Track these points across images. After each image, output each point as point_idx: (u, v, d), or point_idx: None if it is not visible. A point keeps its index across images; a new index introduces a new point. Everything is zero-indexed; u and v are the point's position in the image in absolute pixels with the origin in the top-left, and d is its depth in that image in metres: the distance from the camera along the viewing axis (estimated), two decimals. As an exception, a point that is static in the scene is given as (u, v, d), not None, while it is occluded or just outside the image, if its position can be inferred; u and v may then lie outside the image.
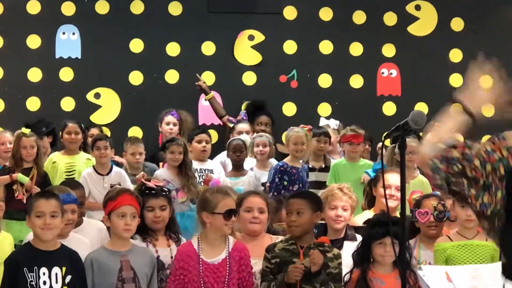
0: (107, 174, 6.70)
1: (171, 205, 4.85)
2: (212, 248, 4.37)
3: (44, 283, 4.01)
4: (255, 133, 7.81)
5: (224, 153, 7.43)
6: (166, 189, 4.91)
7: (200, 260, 4.31)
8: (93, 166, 6.77)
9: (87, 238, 4.80)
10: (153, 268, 4.38)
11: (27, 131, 6.72)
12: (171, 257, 4.56)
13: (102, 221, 4.82)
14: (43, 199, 4.17)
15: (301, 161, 6.95)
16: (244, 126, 7.81)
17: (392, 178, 5.39)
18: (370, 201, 5.71)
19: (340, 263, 4.42)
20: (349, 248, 4.73)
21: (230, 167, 7.11)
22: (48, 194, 4.30)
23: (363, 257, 4.43)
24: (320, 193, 5.27)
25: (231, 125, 7.96)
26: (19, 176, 6.46)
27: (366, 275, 4.36)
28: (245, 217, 4.76)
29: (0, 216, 5.15)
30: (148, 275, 4.31)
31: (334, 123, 8.16)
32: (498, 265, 4.00)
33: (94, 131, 7.88)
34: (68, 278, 4.09)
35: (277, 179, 6.69)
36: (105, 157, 6.75)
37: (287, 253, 4.41)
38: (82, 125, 7.38)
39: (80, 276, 4.16)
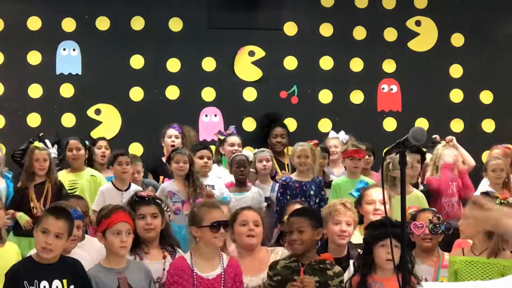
0: (126, 190, 6.62)
1: (164, 216, 4.81)
2: (206, 262, 4.36)
3: (45, 296, 3.98)
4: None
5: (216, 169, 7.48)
6: (159, 201, 4.89)
7: (194, 274, 4.30)
8: (112, 182, 6.73)
9: (88, 255, 4.76)
10: (149, 280, 4.36)
11: (39, 144, 6.72)
12: (164, 269, 4.53)
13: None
14: (53, 217, 4.06)
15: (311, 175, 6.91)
16: (236, 139, 7.80)
17: (375, 193, 5.45)
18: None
19: (341, 281, 4.39)
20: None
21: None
22: (59, 212, 4.15)
23: (364, 262, 4.41)
24: (322, 209, 5.25)
25: (222, 138, 7.96)
26: (18, 215, 6.44)
27: (366, 279, 4.34)
28: (241, 231, 4.76)
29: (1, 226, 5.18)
30: None
31: (343, 137, 8.15)
32: (501, 281, 3.97)
33: (102, 143, 7.76)
34: None
35: (279, 194, 6.72)
36: (126, 173, 6.71)
37: (288, 271, 4.40)
38: (87, 142, 7.35)
39: (84, 284, 4.11)
